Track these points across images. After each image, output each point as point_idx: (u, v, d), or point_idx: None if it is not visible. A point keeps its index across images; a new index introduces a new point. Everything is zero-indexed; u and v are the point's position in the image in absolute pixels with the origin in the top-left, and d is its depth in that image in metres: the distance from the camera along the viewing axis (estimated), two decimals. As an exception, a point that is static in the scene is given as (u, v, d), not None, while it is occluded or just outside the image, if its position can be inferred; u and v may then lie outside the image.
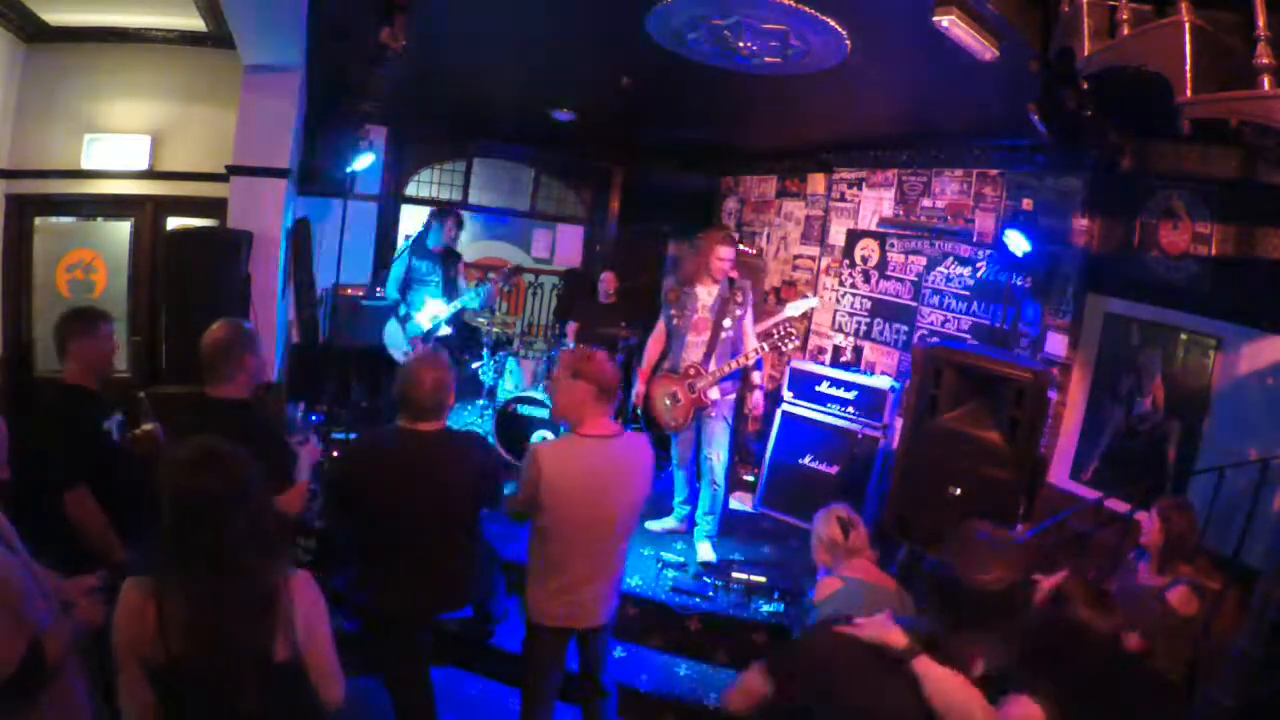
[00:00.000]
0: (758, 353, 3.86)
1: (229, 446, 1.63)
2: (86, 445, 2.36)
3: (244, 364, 2.37)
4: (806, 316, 5.35)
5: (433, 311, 4.96)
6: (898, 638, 1.46)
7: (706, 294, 3.92)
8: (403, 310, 4.95)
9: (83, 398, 2.46)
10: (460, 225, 5.19)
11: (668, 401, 3.94)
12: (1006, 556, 1.44)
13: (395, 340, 4.99)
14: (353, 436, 4.72)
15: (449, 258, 5.09)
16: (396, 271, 5.03)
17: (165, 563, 1.54)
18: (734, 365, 3.84)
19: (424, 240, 5.05)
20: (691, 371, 3.88)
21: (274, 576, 1.58)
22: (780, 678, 1.56)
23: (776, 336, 3.97)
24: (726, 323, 3.87)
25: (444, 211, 5.11)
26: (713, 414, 3.89)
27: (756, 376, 4.25)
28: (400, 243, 6.18)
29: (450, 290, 5.05)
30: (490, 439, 5.09)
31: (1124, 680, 1.57)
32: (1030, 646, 1.53)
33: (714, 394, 3.85)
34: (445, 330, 5.04)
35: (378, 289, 5.55)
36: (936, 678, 1.41)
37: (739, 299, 3.90)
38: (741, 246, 6.21)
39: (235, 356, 2.35)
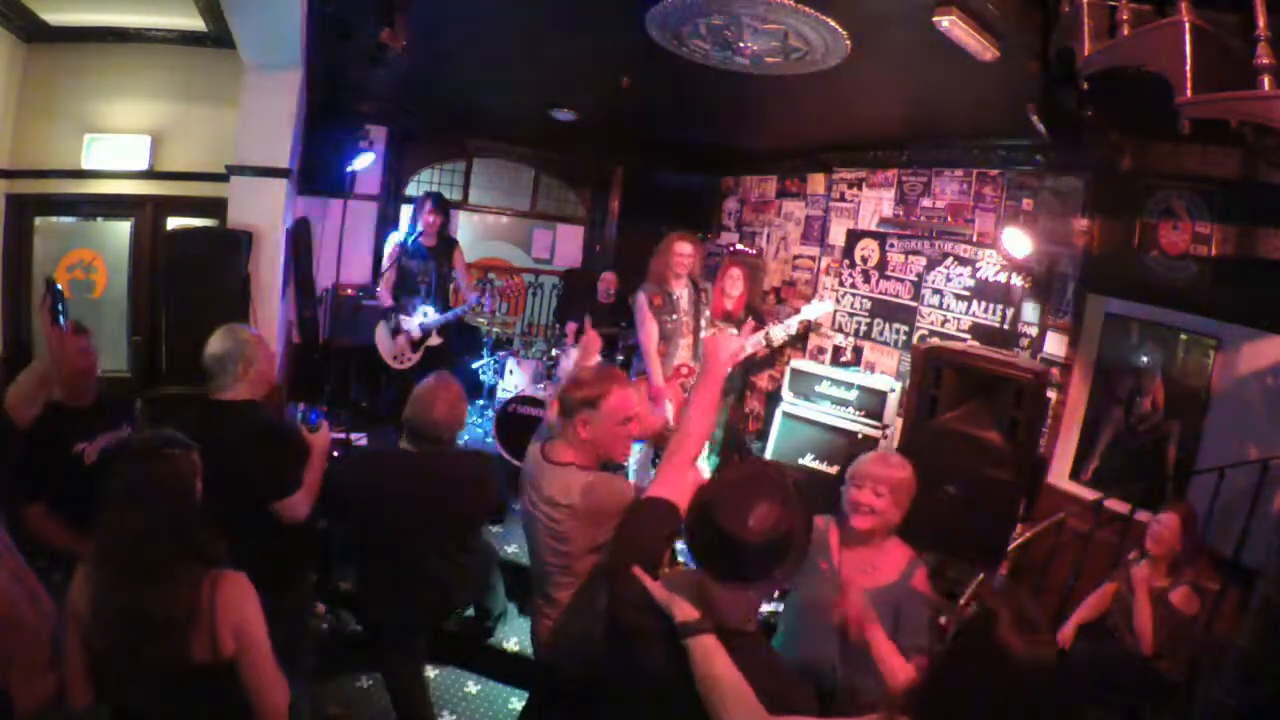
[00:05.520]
0: (756, 346, 4.06)
1: (171, 445, 1.63)
2: (40, 466, 2.26)
3: (251, 367, 2.30)
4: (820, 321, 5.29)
5: (422, 319, 4.77)
6: (687, 610, 1.29)
7: (683, 297, 4.12)
8: (391, 319, 4.73)
9: (55, 416, 2.36)
10: (439, 210, 4.75)
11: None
12: (770, 495, 1.26)
13: (384, 344, 4.83)
14: (353, 437, 4.73)
15: (442, 251, 4.81)
16: (385, 273, 4.81)
17: (94, 550, 1.56)
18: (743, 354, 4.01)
19: (413, 237, 4.79)
20: (684, 370, 3.95)
21: (189, 579, 1.55)
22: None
23: (769, 327, 4.32)
24: (702, 323, 4.12)
25: (419, 201, 4.79)
26: None
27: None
28: (387, 245, 6.04)
29: (443, 291, 4.83)
30: (490, 439, 5.10)
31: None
32: (944, 661, 1.32)
33: None
34: (436, 340, 4.79)
35: (377, 289, 5.54)
36: (710, 673, 1.23)
37: (703, 299, 4.17)
38: (740, 246, 6.25)
39: (242, 361, 2.28)
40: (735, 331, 4.48)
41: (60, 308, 2.01)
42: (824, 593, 2.02)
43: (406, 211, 6.38)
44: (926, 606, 2.03)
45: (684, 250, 4.08)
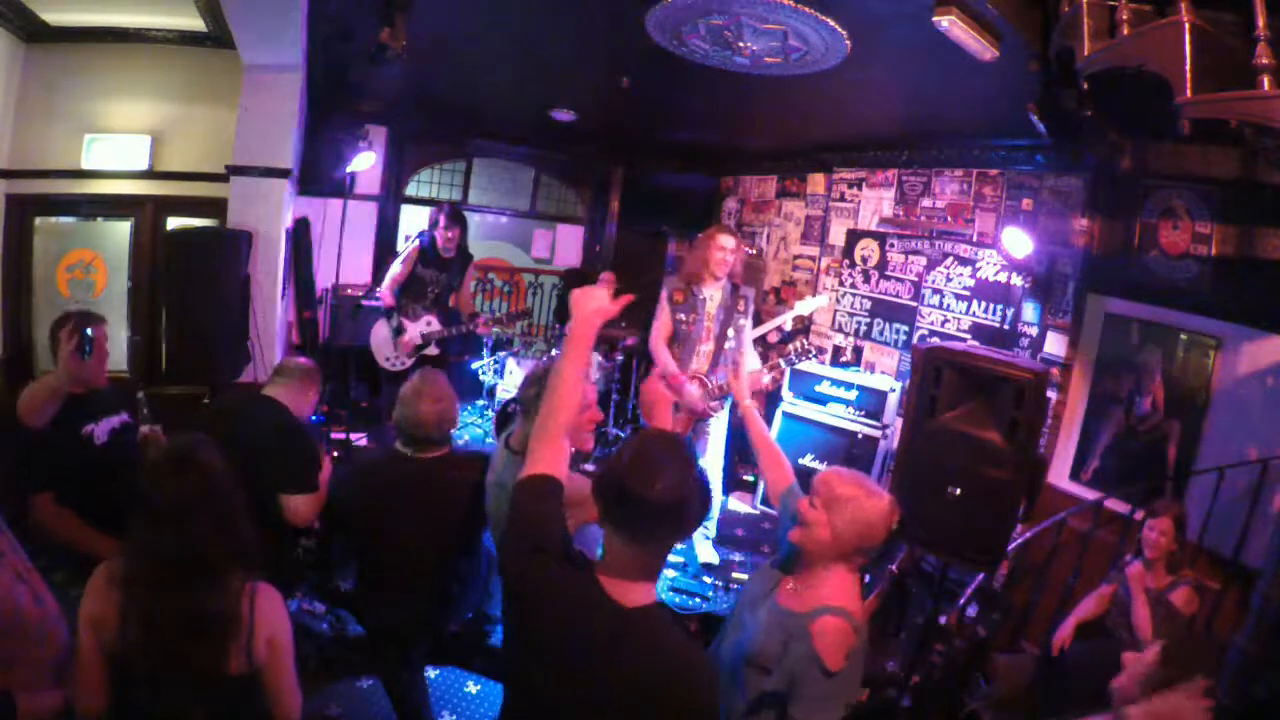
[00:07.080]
0: (773, 369, 3.72)
1: (205, 450, 1.62)
2: (51, 452, 2.27)
3: (307, 385, 2.58)
4: (812, 316, 5.34)
5: (425, 329, 4.69)
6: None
7: (711, 299, 3.79)
8: (394, 319, 4.64)
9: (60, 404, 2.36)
10: (455, 222, 4.64)
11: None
12: (675, 465, 1.36)
13: (382, 346, 4.74)
14: (353, 437, 4.72)
15: (458, 264, 4.75)
16: (395, 271, 4.68)
17: (129, 561, 1.55)
18: (749, 382, 3.79)
19: (432, 245, 4.67)
20: (696, 383, 3.81)
21: (236, 586, 1.56)
22: None
23: (795, 351, 3.79)
24: (730, 332, 3.78)
25: (437, 210, 4.67)
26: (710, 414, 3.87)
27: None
28: (401, 243, 6.06)
29: (446, 298, 4.79)
30: (490, 439, 5.10)
31: None
32: None
33: (715, 404, 3.82)
34: (433, 351, 4.72)
35: (377, 289, 5.53)
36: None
37: (741, 308, 3.80)
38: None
39: (302, 377, 2.56)
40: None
41: (87, 349, 2.27)
42: (763, 585, 1.89)
43: (406, 212, 6.42)
44: (817, 670, 1.55)
45: (725, 244, 3.70)
